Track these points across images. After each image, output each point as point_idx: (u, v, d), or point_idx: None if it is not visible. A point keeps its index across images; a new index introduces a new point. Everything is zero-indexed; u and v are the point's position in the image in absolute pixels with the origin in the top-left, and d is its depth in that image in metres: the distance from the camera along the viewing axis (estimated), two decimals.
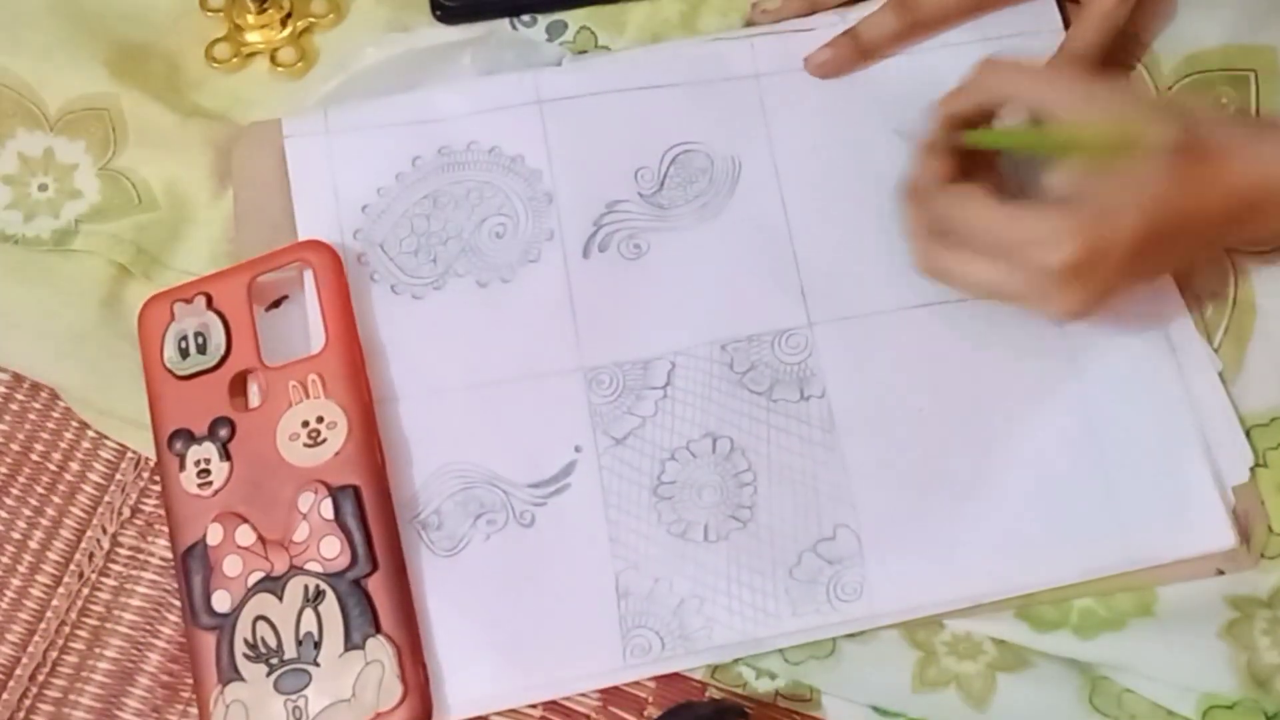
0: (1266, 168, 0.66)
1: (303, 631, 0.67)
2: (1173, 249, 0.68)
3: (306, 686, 0.66)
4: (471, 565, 0.71)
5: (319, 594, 0.67)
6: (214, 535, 0.68)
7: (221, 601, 0.68)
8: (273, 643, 0.67)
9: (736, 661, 0.70)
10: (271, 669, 0.66)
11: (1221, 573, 0.71)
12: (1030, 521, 0.71)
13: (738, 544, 0.71)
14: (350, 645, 0.66)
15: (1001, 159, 0.75)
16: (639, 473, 0.73)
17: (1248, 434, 0.73)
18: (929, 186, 0.72)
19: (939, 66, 0.79)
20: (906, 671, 0.70)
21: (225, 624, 0.67)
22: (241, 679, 0.66)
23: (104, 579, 0.73)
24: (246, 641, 0.67)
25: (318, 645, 0.66)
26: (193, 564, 0.68)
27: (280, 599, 0.67)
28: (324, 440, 0.69)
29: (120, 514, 0.74)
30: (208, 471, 0.69)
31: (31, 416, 0.76)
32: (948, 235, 0.70)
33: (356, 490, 0.69)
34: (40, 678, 0.72)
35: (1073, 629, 0.70)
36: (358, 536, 0.68)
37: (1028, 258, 0.66)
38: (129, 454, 0.75)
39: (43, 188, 0.78)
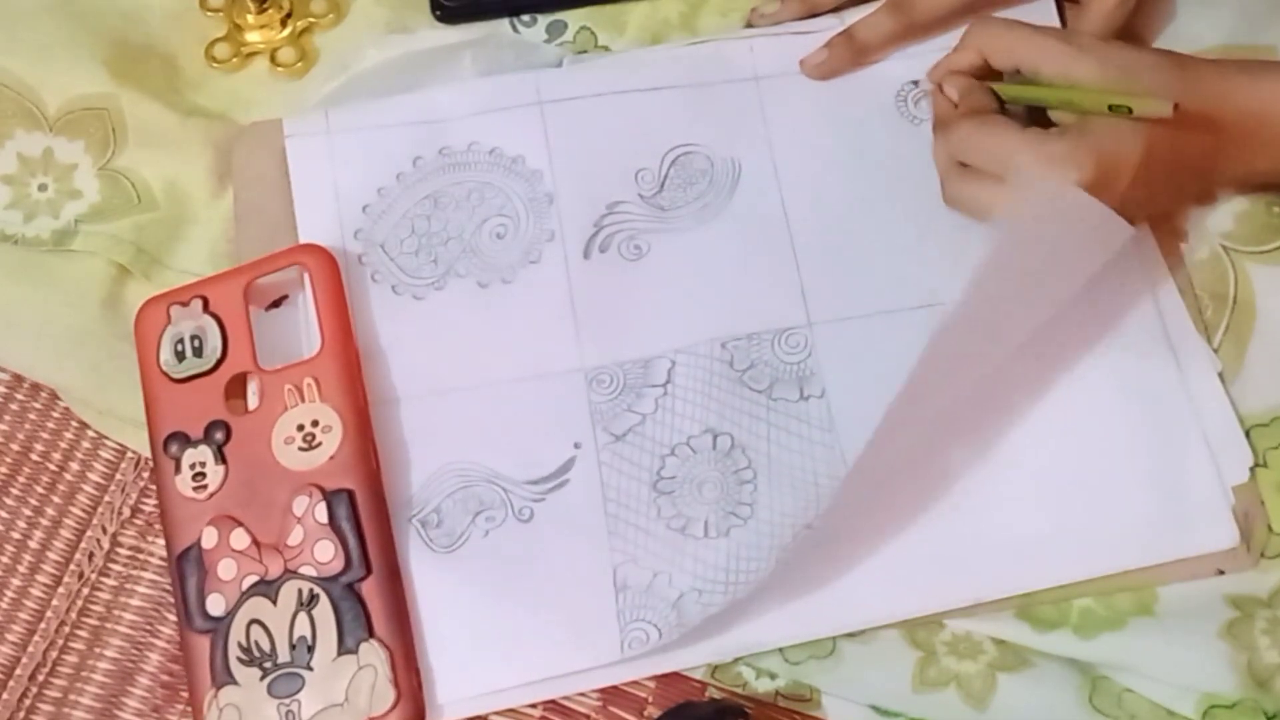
0: (1256, 93, 0.70)
1: (296, 635, 0.65)
2: (1175, 177, 0.71)
3: (300, 690, 0.64)
4: (470, 561, 0.69)
5: (313, 598, 0.65)
6: (209, 539, 0.67)
7: (216, 605, 0.66)
8: (266, 646, 0.65)
9: (736, 661, 0.69)
10: (265, 673, 0.65)
11: (1221, 572, 0.69)
12: (1030, 521, 0.70)
13: (738, 540, 0.69)
14: (343, 649, 0.65)
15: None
16: (639, 468, 0.71)
17: (1248, 434, 0.71)
18: (962, 105, 0.73)
19: (921, 78, 0.78)
20: (906, 671, 0.68)
21: (219, 627, 0.66)
22: (235, 683, 0.65)
23: (104, 579, 0.72)
24: (240, 645, 0.65)
25: (311, 649, 0.65)
26: (187, 567, 0.67)
27: (274, 603, 0.66)
28: (319, 444, 0.68)
29: (120, 514, 0.73)
30: (203, 475, 0.68)
31: (31, 416, 0.75)
32: (972, 155, 0.72)
33: (351, 494, 0.67)
34: (40, 678, 0.70)
35: (1073, 629, 0.68)
36: (352, 541, 0.66)
37: (1044, 178, 0.68)
38: (129, 454, 0.74)
39: (42, 188, 0.77)
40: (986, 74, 0.74)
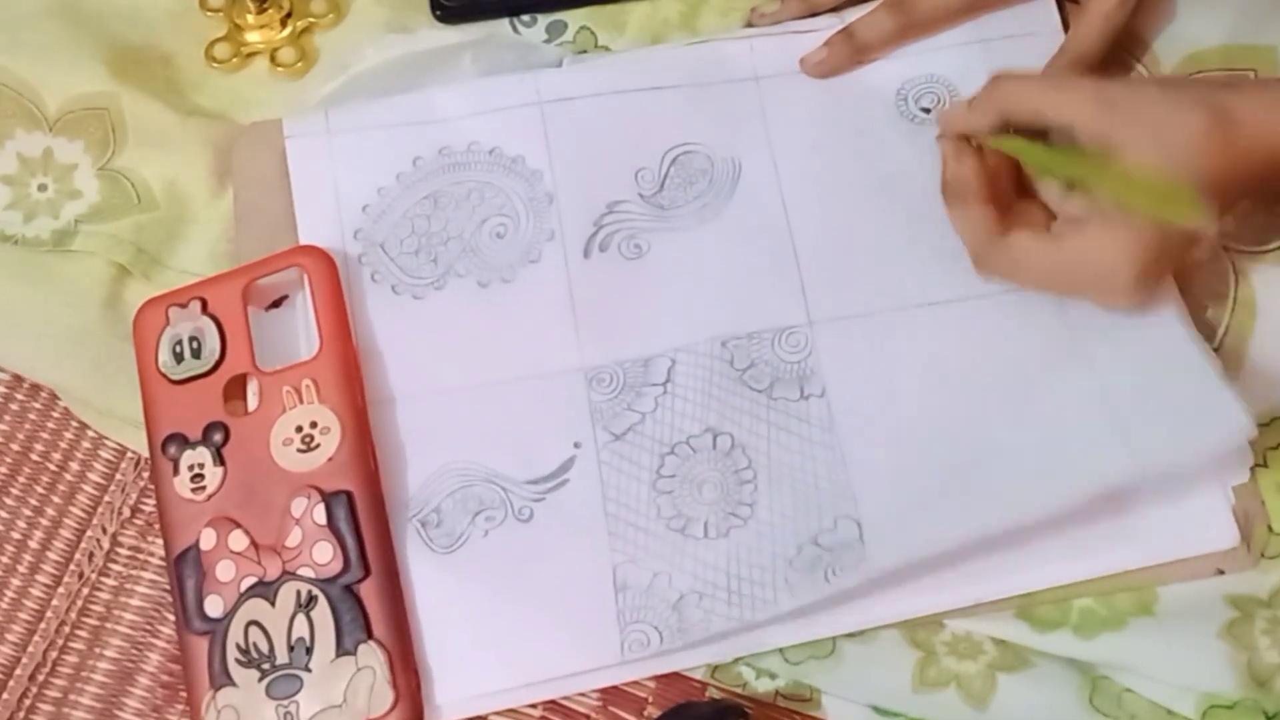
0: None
1: (295, 637, 0.65)
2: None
3: (298, 692, 0.64)
4: (470, 561, 0.68)
5: (311, 599, 0.65)
6: (207, 540, 0.66)
7: (214, 606, 0.65)
8: (265, 648, 0.65)
9: (736, 661, 0.68)
10: (263, 674, 0.64)
11: (1221, 572, 0.68)
12: (1031, 522, 0.68)
13: (738, 541, 0.69)
14: (342, 651, 0.64)
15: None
16: (638, 467, 0.70)
17: None
18: (978, 241, 0.71)
19: (937, 67, 0.78)
20: (906, 671, 0.68)
21: (218, 629, 0.65)
22: (233, 684, 0.64)
23: (104, 579, 0.71)
24: (239, 646, 0.65)
25: (309, 651, 0.64)
26: (185, 569, 0.66)
27: (273, 604, 0.65)
28: (317, 445, 0.67)
29: (120, 514, 0.72)
30: (201, 476, 0.67)
31: (31, 416, 0.74)
32: (1010, 279, 0.71)
33: (349, 496, 0.67)
34: (40, 678, 0.69)
35: (1073, 629, 0.68)
36: (350, 542, 0.66)
37: (1095, 288, 0.68)
38: (129, 454, 0.73)
39: (42, 188, 0.76)
40: (1005, 131, 0.70)
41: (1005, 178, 0.71)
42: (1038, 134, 0.69)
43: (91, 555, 0.71)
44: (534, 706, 0.67)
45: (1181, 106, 0.65)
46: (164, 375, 0.69)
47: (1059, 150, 0.68)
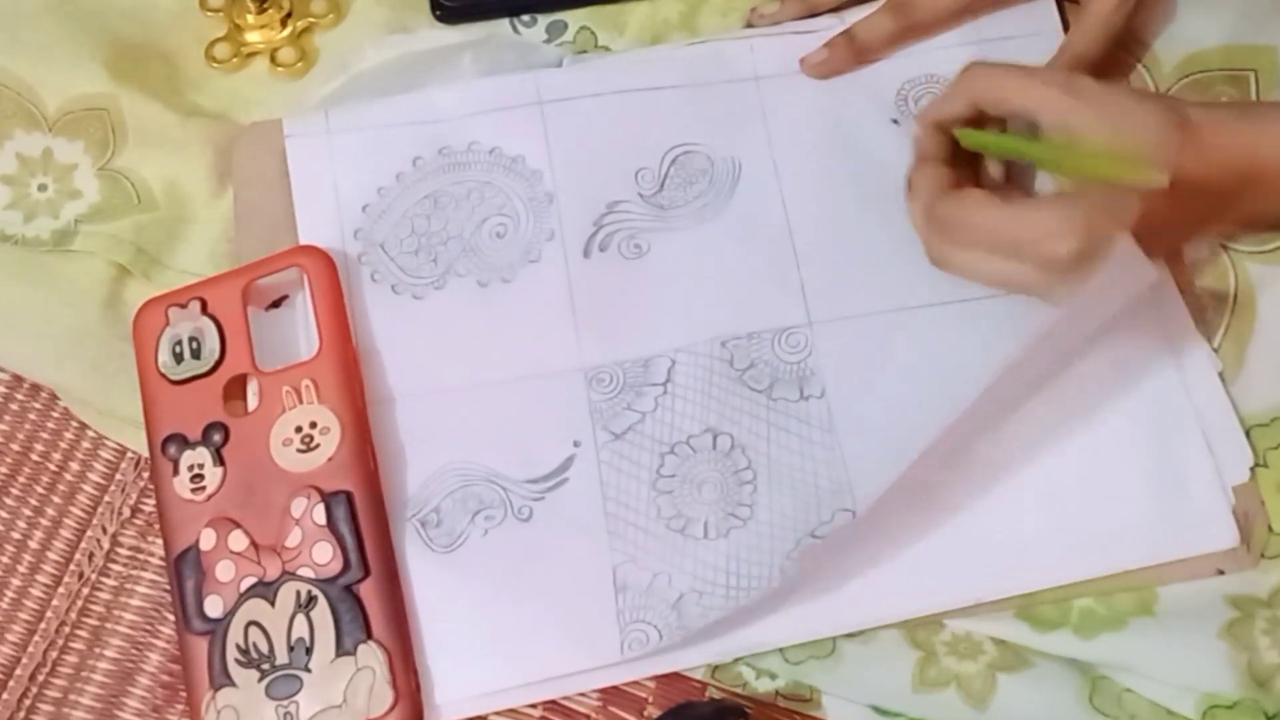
0: (1256, 143, 0.67)
1: (294, 637, 0.64)
2: (1172, 226, 0.68)
3: (298, 692, 0.64)
4: (469, 561, 0.68)
5: (311, 600, 0.65)
6: (207, 540, 0.66)
7: (214, 606, 0.65)
8: (264, 648, 0.64)
9: (736, 661, 0.68)
10: (263, 674, 0.64)
11: (1221, 572, 0.68)
12: (1031, 520, 0.69)
13: (737, 540, 0.69)
14: (341, 651, 0.64)
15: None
16: (638, 466, 0.70)
17: (1248, 434, 0.70)
18: (931, 192, 0.70)
19: (937, 68, 0.78)
20: (906, 671, 0.68)
21: (217, 629, 0.65)
22: (233, 684, 0.64)
23: (104, 579, 0.71)
24: (238, 647, 0.65)
25: (309, 651, 0.64)
26: (185, 569, 0.66)
27: (272, 604, 0.65)
28: (317, 446, 0.67)
29: (120, 514, 0.72)
30: (201, 476, 0.67)
31: (31, 416, 0.74)
32: (956, 234, 0.69)
33: (349, 496, 0.66)
34: (40, 678, 0.69)
35: (1073, 629, 0.68)
36: (350, 542, 0.66)
37: (1037, 252, 0.66)
38: (129, 454, 0.73)
39: (42, 188, 0.76)
40: (979, 121, 0.71)
41: (968, 163, 0.72)
42: (1000, 123, 0.71)
43: (91, 555, 0.71)
44: (534, 706, 0.67)
45: (1145, 105, 0.67)
46: (164, 375, 0.69)
47: (1020, 137, 0.70)
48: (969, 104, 0.70)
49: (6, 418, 0.74)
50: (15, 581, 0.70)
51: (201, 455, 0.67)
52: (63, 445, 0.73)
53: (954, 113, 0.71)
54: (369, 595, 0.65)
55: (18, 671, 0.69)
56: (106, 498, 0.72)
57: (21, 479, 0.72)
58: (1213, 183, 0.66)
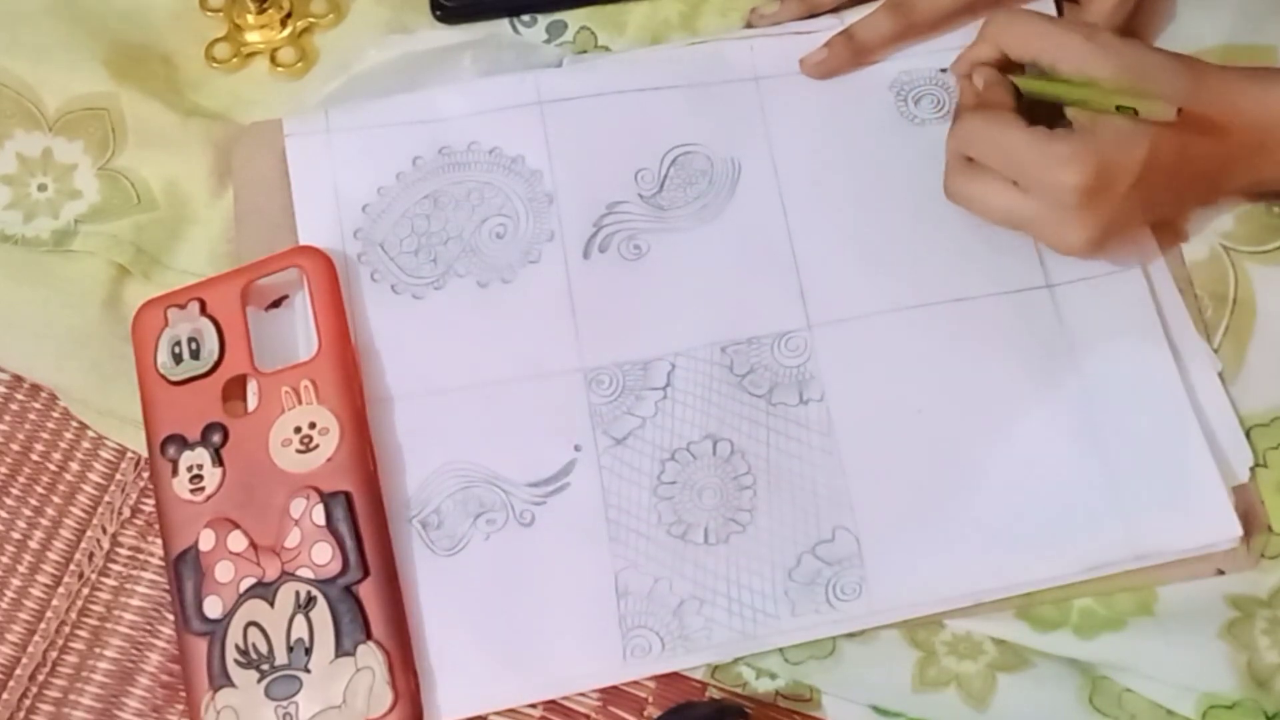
0: (1267, 103, 0.68)
1: (294, 638, 0.64)
2: (1179, 183, 0.69)
3: (297, 693, 0.64)
4: (471, 565, 0.68)
5: (310, 600, 0.65)
6: (206, 541, 0.66)
7: (213, 607, 0.65)
8: (264, 649, 0.64)
9: (736, 661, 0.68)
10: (262, 675, 0.64)
11: (1221, 572, 0.68)
12: (1031, 521, 0.68)
13: (737, 547, 0.68)
14: (341, 652, 0.64)
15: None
16: (639, 473, 0.70)
17: (1248, 434, 0.70)
18: (969, 95, 0.73)
19: (937, 68, 0.77)
20: (906, 671, 0.67)
21: (217, 630, 0.65)
22: (232, 685, 0.64)
23: (104, 579, 0.71)
24: (238, 647, 0.64)
25: (309, 652, 0.64)
26: (185, 570, 0.66)
27: (272, 605, 0.65)
28: (316, 446, 0.67)
29: (120, 514, 0.72)
30: (200, 477, 0.67)
31: (31, 416, 0.74)
32: (976, 147, 0.71)
33: (348, 496, 0.66)
34: (40, 678, 0.69)
35: (1073, 629, 0.68)
36: (349, 543, 0.66)
37: (1044, 177, 0.67)
38: (129, 454, 0.73)
39: (42, 188, 0.75)
40: (1006, 67, 0.73)
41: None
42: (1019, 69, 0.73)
43: (91, 555, 0.70)
44: (534, 706, 0.67)
45: (1161, 54, 0.69)
46: (163, 376, 0.69)
47: (1044, 77, 0.71)
48: (995, 47, 0.72)
49: (6, 418, 0.73)
50: (15, 581, 0.70)
51: (200, 456, 0.67)
52: (63, 445, 0.73)
53: (983, 57, 0.72)
54: (368, 596, 0.65)
55: (18, 671, 0.69)
56: (106, 498, 0.72)
57: (21, 479, 0.72)
58: (1219, 132, 0.67)
